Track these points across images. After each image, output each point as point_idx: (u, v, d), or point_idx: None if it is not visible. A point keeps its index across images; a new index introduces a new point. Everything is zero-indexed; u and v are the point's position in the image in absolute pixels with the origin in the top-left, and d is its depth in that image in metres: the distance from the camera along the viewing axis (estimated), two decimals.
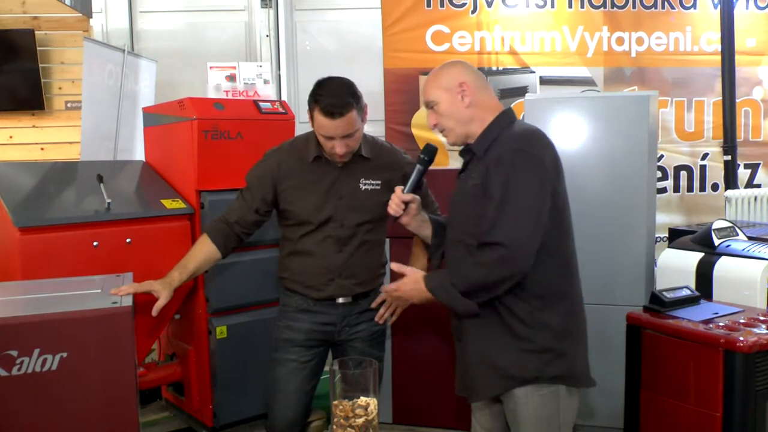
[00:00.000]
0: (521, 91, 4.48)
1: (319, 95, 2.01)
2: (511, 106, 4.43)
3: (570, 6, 4.52)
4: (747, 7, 4.63)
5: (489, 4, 4.52)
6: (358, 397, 1.49)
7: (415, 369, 3.12)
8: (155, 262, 2.40)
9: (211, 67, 3.13)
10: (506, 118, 1.81)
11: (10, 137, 4.66)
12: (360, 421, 1.46)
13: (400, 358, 3.14)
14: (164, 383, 3.05)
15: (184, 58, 4.90)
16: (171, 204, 2.75)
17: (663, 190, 4.59)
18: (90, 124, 3.82)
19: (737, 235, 2.87)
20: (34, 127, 4.68)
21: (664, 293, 2.41)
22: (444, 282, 1.72)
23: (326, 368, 2.29)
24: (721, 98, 4.62)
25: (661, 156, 4.51)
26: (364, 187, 2.14)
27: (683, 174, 4.67)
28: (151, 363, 3.02)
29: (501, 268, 1.64)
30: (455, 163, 3.82)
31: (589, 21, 4.53)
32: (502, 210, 1.64)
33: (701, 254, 2.79)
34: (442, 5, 4.50)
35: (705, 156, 4.68)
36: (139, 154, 3.85)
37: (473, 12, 4.52)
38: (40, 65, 4.52)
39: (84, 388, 1.58)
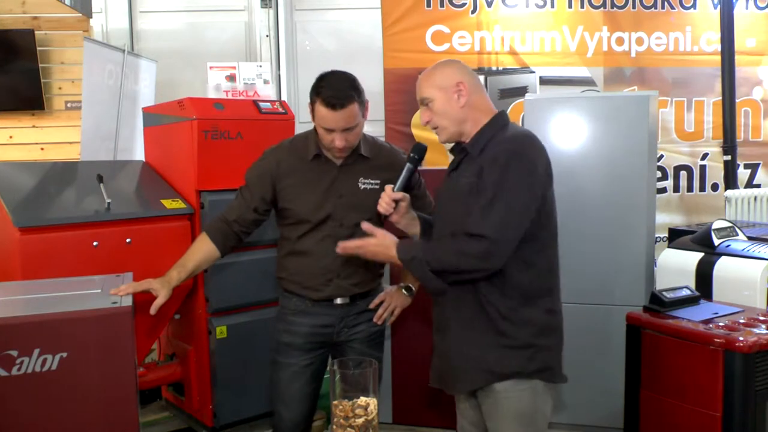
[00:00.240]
0: (521, 91, 4.48)
1: (321, 87, 2.02)
2: (511, 106, 4.51)
3: (570, 6, 4.52)
4: (747, 7, 4.63)
5: (489, 4, 4.52)
6: (358, 397, 1.49)
7: (415, 369, 3.11)
8: (155, 262, 2.40)
9: (211, 67, 3.13)
10: (501, 120, 1.85)
11: (10, 137, 4.66)
12: (360, 421, 1.46)
13: (400, 358, 3.14)
14: (164, 383, 3.05)
15: (184, 58, 4.90)
16: (171, 204, 2.75)
17: (663, 190, 4.59)
18: (90, 124, 3.82)
19: (737, 235, 2.87)
20: (34, 127, 4.68)
21: (664, 293, 2.41)
22: (418, 257, 1.76)
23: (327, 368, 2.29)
24: (721, 98, 4.62)
25: (661, 156, 4.52)
26: (363, 187, 2.14)
27: (683, 174, 4.67)
28: (151, 363, 3.02)
29: (480, 260, 1.69)
30: None
31: (589, 21, 4.53)
32: (491, 206, 1.68)
33: (701, 254, 2.79)
34: (442, 5, 4.50)
35: (705, 156, 4.68)
36: (139, 154, 3.85)
37: (473, 12, 4.52)
38: (40, 65, 4.52)
39: (84, 388, 1.58)
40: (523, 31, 4.53)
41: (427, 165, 3.51)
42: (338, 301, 2.18)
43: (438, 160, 3.50)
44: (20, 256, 2.35)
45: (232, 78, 3.12)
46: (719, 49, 4.60)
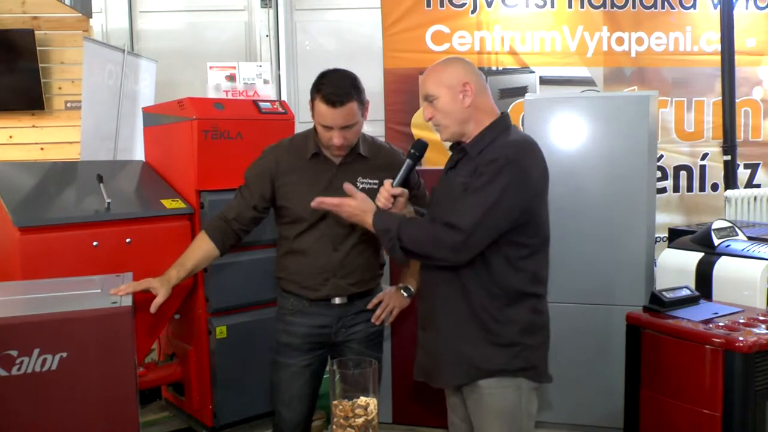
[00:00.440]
0: (521, 91, 4.48)
1: (321, 84, 2.03)
2: (511, 106, 4.51)
3: (570, 6, 4.52)
4: (747, 7, 4.63)
5: (489, 4, 4.52)
6: (358, 397, 1.49)
7: None
8: (155, 262, 2.40)
9: (210, 67, 3.13)
10: (503, 122, 1.86)
11: (10, 137, 4.66)
12: (360, 421, 1.46)
13: (399, 358, 3.13)
14: (164, 383, 3.05)
15: (184, 58, 4.90)
16: (171, 204, 2.75)
17: (663, 190, 4.59)
18: (90, 124, 3.82)
19: (737, 235, 2.87)
20: (33, 127, 4.68)
21: (664, 293, 2.41)
22: (392, 231, 1.78)
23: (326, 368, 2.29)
24: (720, 98, 4.62)
25: (661, 156, 4.52)
26: (361, 186, 2.13)
27: (683, 174, 4.67)
28: (151, 363, 3.02)
29: (450, 251, 1.72)
30: None
31: (589, 21, 4.53)
32: (475, 202, 1.71)
33: (701, 254, 2.79)
34: (442, 5, 4.50)
35: (705, 156, 4.68)
36: (139, 154, 3.84)
37: (473, 12, 4.52)
38: (40, 65, 4.52)
39: (84, 388, 1.58)
40: (523, 31, 4.53)
41: (427, 164, 3.53)
42: (336, 300, 2.18)
43: (438, 159, 3.49)
44: (20, 256, 2.35)
45: (232, 78, 3.12)
46: (719, 49, 4.60)
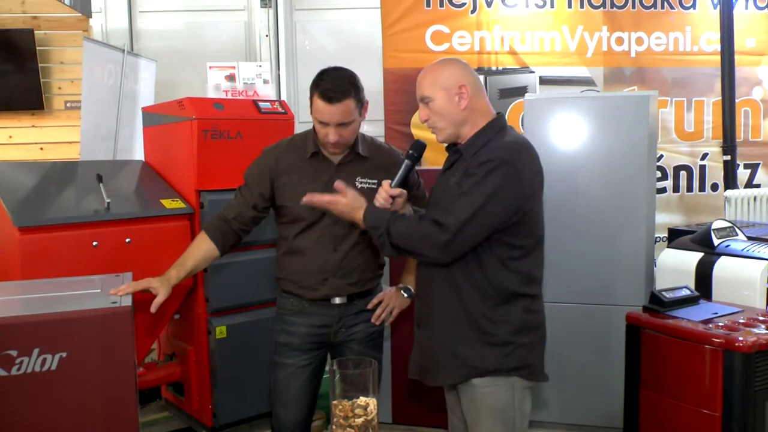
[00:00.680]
0: (521, 91, 4.48)
1: (320, 80, 2.04)
2: (511, 106, 4.51)
3: (570, 6, 4.52)
4: (747, 7, 4.63)
5: (489, 4, 4.52)
6: (358, 397, 1.49)
7: None
8: (155, 262, 2.40)
9: (210, 67, 3.14)
10: (498, 124, 1.86)
11: (10, 137, 4.66)
12: (359, 421, 1.46)
13: (399, 358, 3.13)
14: (164, 383, 3.06)
15: (184, 58, 4.90)
16: (170, 204, 2.75)
17: (663, 190, 4.59)
18: (90, 123, 3.82)
19: (737, 235, 2.87)
20: (33, 126, 4.68)
21: (664, 293, 2.41)
22: (382, 228, 1.79)
23: (326, 368, 2.29)
24: (720, 98, 4.62)
25: (661, 156, 4.52)
26: (360, 186, 2.13)
27: (683, 174, 4.67)
28: (150, 363, 3.02)
29: (435, 249, 1.73)
30: None
31: (589, 21, 4.53)
32: (464, 202, 1.71)
33: (701, 254, 2.79)
34: (441, 5, 4.50)
35: (705, 156, 4.68)
36: (139, 154, 3.84)
37: (473, 12, 4.51)
38: (39, 65, 4.52)
39: (84, 388, 1.58)
40: (522, 31, 4.53)
41: (426, 164, 3.53)
42: (336, 300, 2.18)
43: (439, 159, 3.48)
44: (20, 255, 2.35)
45: (231, 78, 3.12)
46: (719, 49, 4.60)
